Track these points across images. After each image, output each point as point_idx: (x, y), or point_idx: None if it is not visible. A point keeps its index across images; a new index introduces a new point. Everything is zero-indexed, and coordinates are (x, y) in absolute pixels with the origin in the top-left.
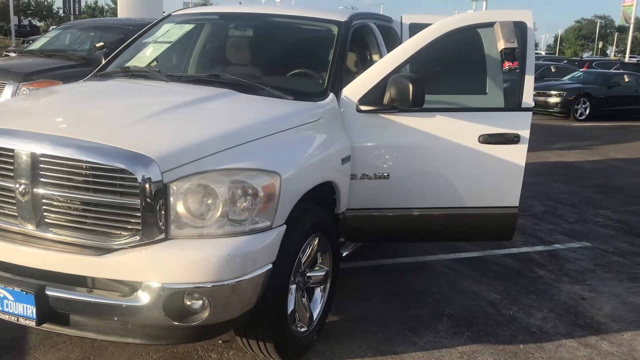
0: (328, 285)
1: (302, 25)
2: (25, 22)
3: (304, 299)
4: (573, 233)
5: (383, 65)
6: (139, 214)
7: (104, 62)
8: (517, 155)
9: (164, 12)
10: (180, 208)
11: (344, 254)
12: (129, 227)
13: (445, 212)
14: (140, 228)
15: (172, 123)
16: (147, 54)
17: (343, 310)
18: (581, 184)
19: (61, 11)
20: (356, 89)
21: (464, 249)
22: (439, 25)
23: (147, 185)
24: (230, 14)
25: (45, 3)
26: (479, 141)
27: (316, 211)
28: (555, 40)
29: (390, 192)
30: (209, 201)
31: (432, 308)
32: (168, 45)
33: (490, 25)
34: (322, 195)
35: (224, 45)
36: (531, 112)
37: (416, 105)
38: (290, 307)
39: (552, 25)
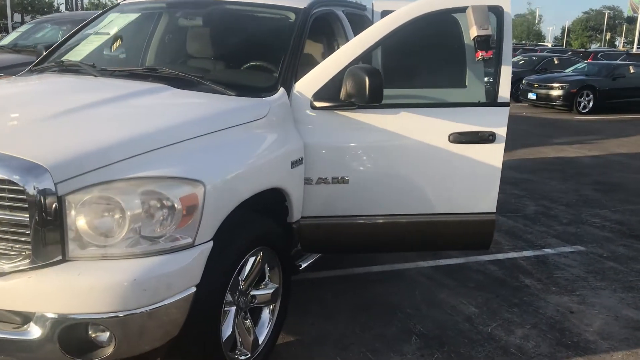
0: (278, 304)
1: (257, 13)
2: (28, 19)
3: (247, 322)
4: (566, 236)
5: (340, 56)
6: (29, 232)
7: (44, 54)
8: (492, 155)
9: None
10: (80, 224)
11: (303, 266)
12: (18, 247)
13: (413, 219)
14: (31, 248)
15: (78, 124)
16: (86, 47)
17: (301, 328)
18: (579, 181)
19: (63, 7)
20: (310, 83)
21: (445, 255)
22: (406, 10)
23: (38, 198)
24: (179, 2)
25: (47, 0)
26: (449, 140)
27: (259, 222)
28: (563, 32)
29: (350, 198)
30: (115, 216)
31: (401, 325)
32: (108, 36)
33: (463, 10)
34: (269, 204)
35: (171, 36)
36: (508, 108)
37: (374, 100)
38: (227, 333)
39: (559, 17)
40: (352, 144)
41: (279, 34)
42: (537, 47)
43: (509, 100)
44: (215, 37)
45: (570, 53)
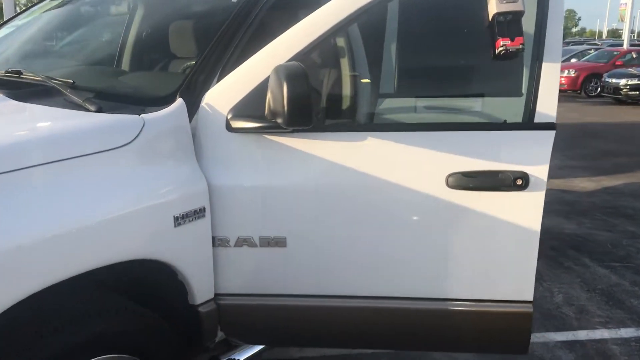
0: None
1: None
2: None
3: None
4: None
5: (275, 49)
6: None
7: None
8: (523, 211)
9: None
10: None
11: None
12: None
13: (388, 304)
14: None
15: None
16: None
17: None
18: None
19: None
20: (227, 92)
21: None
22: None
23: None
24: None
25: None
26: (448, 184)
27: (106, 315)
28: None
29: (288, 268)
30: None
31: None
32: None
33: None
34: (145, 281)
35: (80, 26)
36: (553, 133)
37: (296, 121)
38: None
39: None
40: (291, 186)
41: (210, 18)
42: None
43: (554, 121)
44: (141, 27)
45: None
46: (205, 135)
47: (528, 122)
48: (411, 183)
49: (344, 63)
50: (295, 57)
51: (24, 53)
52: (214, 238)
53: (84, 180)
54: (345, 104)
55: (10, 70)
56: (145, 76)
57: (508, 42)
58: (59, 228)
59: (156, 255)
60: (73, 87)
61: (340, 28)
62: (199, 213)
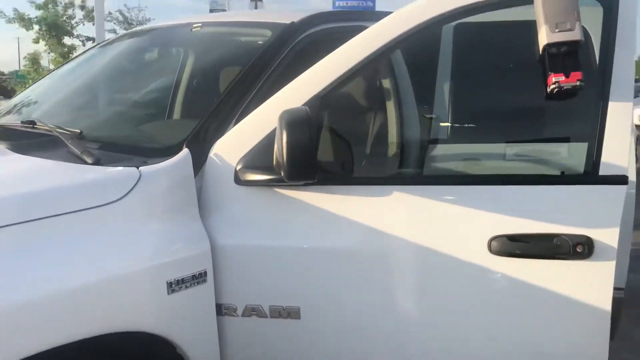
0: None
1: (232, 36)
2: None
3: None
4: None
5: (287, 94)
6: None
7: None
8: (588, 285)
9: None
10: None
11: None
12: None
13: None
14: None
15: None
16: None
17: None
18: None
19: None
20: (236, 141)
21: None
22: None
23: None
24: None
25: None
26: (491, 250)
27: None
28: None
29: (302, 345)
30: None
31: None
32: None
33: None
34: (141, 355)
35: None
36: (624, 188)
37: (296, 175)
38: None
39: None
40: (307, 248)
41: (235, 63)
42: None
43: (625, 173)
44: (184, 73)
45: None
46: (212, 188)
47: (592, 175)
48: (447, 248)
49: (390, 106)
50: (310, 102)
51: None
52: (219, 306)
53: (61, 242)
54: (374, 152)
55: (25, 120)
56: (159, 125)
57: (562, 78)
58: (28, 296)
59: (145, 327)
60: (80, 137)
61: (360, 69)
62: (198, 278)
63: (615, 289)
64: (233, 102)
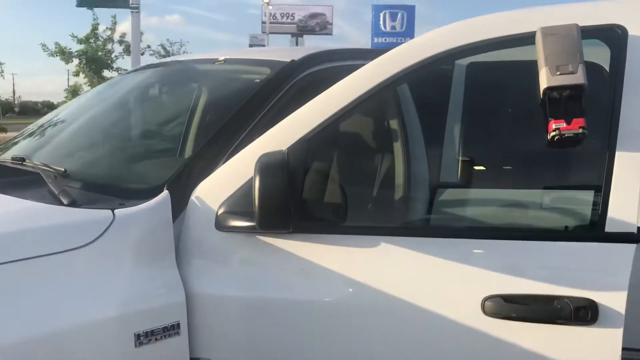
0: None
1: (230, 74)
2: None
3: None
4: None
5: (273, 135)
6: None
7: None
8: (593, 354)
9: None
10: None
11: None
12: None
13: None
14: None
15: None
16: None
17: None
18: None
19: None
20: (218, 184)
21: None
22: (405, 50)
23: None
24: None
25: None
26: (484, 311)
27: None
28: None
29: None
30: None
31: None
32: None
33: (526, 40)
34: None
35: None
36: (633, 247)
37: (267, 224)
38: None
39: None
40: (290, 301)
41: (231, 101)
42: None
43: (634, 230)
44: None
45: None
46: (192, 233)
47: (597, 230)
48: (438, 307)
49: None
50: (293, 146)
51: (62, 138)
52: None
53: (18, 289)
54: (369, 199)
55: (15, 157)
56: (146, 164)
57: (563, 124)
58: None
59: None
60: (64, 175)
61: (348, 112)
62: (170, 330)
63: (624, 349)
64: (222, 142)
